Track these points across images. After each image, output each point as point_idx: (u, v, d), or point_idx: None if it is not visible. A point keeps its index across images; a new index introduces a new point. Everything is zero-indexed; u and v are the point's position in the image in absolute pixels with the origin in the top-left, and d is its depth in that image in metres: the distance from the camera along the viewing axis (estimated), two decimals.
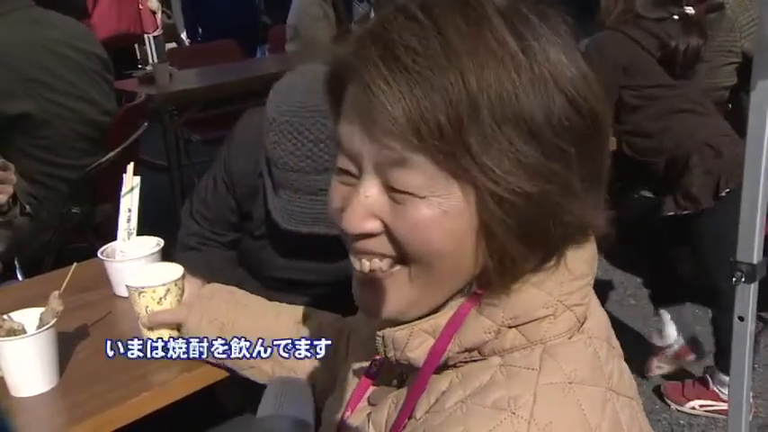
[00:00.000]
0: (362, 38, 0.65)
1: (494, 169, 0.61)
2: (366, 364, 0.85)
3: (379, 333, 0.73)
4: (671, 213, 2.49)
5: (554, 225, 0.65)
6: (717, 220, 2.39)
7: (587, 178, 0.66)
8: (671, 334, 2.77)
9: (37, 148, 2.35)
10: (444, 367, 0.71)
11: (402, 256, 0.68)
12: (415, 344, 0.71)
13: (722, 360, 2.52)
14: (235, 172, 1.63)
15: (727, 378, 2.13)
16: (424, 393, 0.71)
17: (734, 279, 1.52)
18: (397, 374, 0.81)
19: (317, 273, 1.60)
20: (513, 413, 0.62)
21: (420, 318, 0.71)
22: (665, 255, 2.75)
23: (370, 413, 0.78)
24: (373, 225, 0.68)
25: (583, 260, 0.71)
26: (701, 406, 2.64)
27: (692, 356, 2.77)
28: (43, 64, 2.34)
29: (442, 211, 0.64)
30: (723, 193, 2.36)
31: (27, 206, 1.78)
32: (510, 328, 0.68)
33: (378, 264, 0.70)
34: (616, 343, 0.74)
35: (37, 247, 2.37)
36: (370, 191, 0.67)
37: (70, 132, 2.43)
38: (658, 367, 2.80)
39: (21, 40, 2.31)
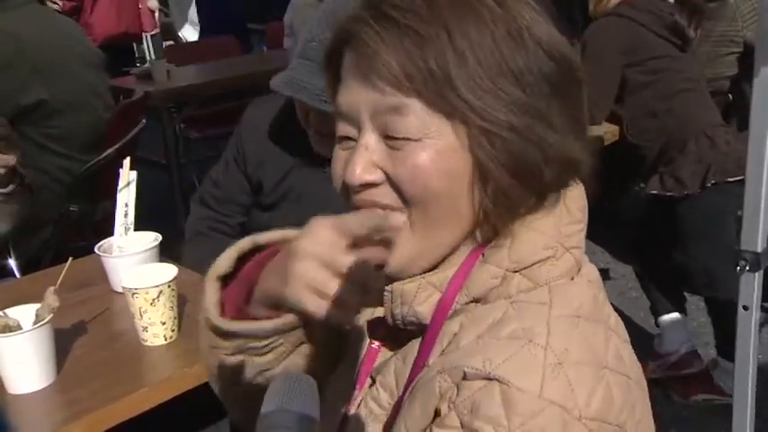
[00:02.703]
0: (355, 8, 0.74)
1: (482, 106, 0.69)
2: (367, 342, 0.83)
3: (387, 288, 0.75)
4: (654, 192, 2.52)
5: (543, 161, 0.71)
6: (700, 207, 2.41)
7: (566, 114, 0.73)
8: (673, 340, 2.71)
9: (48, 137, 2.38)
10: (452, 314, 0.73)
11: (403, 205, 0.72)
12: (422, 297, 0.73)
13: (724, 347, 2.51)
14: (247, 149, 1.76)
15: (730, 365, 2.11)
16: (436, 340, 0.73)
17: (738, 268, 1.50)
18: (399, 346, 0.79)
19: None
20: (530, 341, 0.67)
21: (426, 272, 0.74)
22: (655, 243, 2.73)
23: (373, 384, 0.78)
24: (374, 174, 0.72)
25: (577, 207, 0.76)
26: (705, 400, 2.61)
27: (691, 369, 2.68)
28: (57, 56, 2.41)
29: (436, 151, 0.70)
30: (709, 184, 2.37)
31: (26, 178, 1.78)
32: (515, 272, 0.72)
33: None
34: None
35: (36, 246, 2.37)
36: (369, 141, 0.73)
37: (82, 124, 2.46)
38: (653, 371, 2.72)
39: (35, 33, 2.37)
